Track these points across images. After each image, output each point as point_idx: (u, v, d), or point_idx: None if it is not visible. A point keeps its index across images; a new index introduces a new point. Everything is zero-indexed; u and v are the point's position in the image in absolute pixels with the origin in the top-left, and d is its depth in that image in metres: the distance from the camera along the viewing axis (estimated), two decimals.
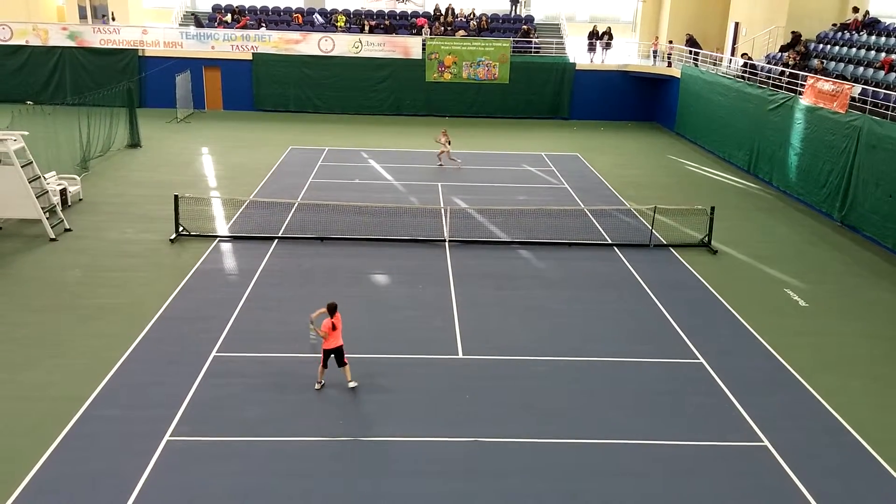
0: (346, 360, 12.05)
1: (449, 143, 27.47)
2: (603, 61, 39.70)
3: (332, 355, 11.97)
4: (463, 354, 13.49)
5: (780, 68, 28.04)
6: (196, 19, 40.10)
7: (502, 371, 12.97)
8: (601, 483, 10.07)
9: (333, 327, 11.77)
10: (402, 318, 14.90)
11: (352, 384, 12.05)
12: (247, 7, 41.38)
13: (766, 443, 11.08)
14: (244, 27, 38.54)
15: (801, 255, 19.58)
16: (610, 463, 10.50)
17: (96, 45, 37.34)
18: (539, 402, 11.99)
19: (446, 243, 19.17)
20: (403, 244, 19.05)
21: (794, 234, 21.41)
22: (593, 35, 40.24)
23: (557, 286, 16.80)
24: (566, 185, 25.67)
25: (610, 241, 19.72)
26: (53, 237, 18.63)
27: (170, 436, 10.72)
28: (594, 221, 21.37)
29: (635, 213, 22.25)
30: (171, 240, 18.84)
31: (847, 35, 28.75)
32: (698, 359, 13.62)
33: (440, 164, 27.62)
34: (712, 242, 19.70)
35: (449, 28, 40.01)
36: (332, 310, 11.85)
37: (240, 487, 9.73)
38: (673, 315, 15.43)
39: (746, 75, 29.54)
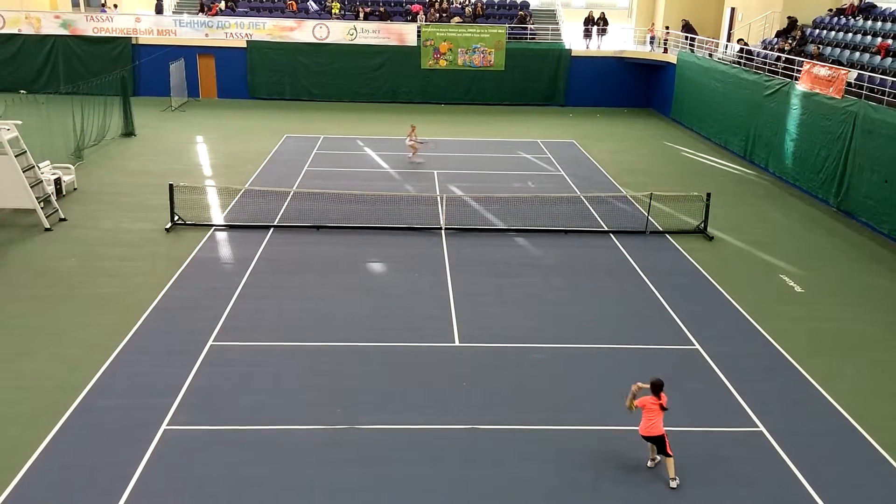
0: (670, 452, 9.81)
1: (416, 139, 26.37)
2: (599, 48, 39.54)
3: (652, 442, 10.04)
4: (460, 342, 13.50)
5: (777, 54, 27.98)
6: (157, 5, 39.62)
7: (499, 358, 12.99)
8: (597, 469, 10.09)
9: (663, 408, 9.83)
10: (399, 306, 14.90)
11: (673, 483, 9.79)
12: None
13: (762, 428, 11.12)
14: (215, 15, 38.12)
15: (797, 241, 19.60)
16: (606, 449, 10.53)
17: (89, 33, 37.11)
18: (536, 390, 12.02)
19: (442, 231, 19.15)
20: (400, 232, 19.02)
21: (790, 220, 21.42)
22: (589, 21, 40.08)
23: (553, 273, 16.80)
24: (562, 173, 25.63)
25: (606, 228, 19.72)
26: (48, 227, 18.57)
27: (167, 425, 10.73)
28: (590, 208, 21.36)
29: (631, 199, 22.23)
30: (166, 229, 18.80)
31: (843, 20, 28.68)
32: (694, 345, 13.66)
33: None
34: (708, 229, 19.70)
35: (444, 15, 39.82)
36: (656, 388, 9.91)
37: (237, 476, 9.74)
38: (669, 301, 15.46)
39: (742, 61, 29.46)
